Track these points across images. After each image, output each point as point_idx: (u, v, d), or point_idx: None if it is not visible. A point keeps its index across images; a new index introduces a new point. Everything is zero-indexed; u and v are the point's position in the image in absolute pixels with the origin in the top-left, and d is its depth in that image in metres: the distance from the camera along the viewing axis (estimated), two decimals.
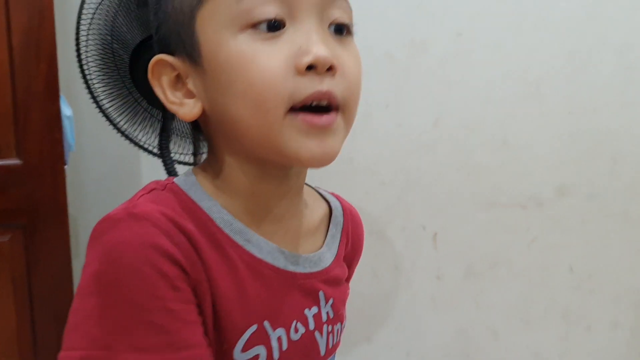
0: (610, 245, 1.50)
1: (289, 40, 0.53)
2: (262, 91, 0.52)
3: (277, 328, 0.58)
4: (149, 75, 0.58)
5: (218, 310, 0.54)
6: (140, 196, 0.56)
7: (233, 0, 0.53)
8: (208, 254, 0.54)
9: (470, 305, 1.60)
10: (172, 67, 0.58)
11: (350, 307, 1.77)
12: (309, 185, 0.71)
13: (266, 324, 0.58)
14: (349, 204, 0.76)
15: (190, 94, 0.58)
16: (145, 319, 0.49)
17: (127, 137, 1.40)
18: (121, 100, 1.40)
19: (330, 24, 0.56)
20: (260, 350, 0.57)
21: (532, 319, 1.56)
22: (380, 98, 1.65)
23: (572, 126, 1.49)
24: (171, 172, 1.28)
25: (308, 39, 0.53)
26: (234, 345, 0.55)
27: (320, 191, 0.73)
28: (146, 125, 1.43)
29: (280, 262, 0.60)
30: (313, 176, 1.81)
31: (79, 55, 1.29)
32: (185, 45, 0.56)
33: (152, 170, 1.83)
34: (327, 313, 0.64)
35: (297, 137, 0.53)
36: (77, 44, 1.32)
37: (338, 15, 0.56)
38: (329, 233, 0.68)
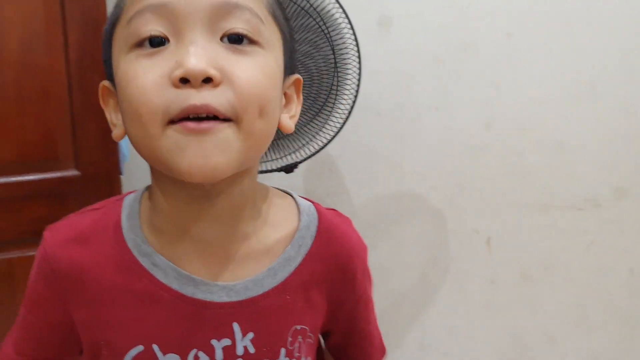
0: None
1: (169, 56, 0.53)
2: (138, 106, 0.53)
3: (167, 353, 0.59)
4: (100, 100, 0.63)
5: (104, 328, 0.60)
6: (77, 213, 0.65)
7: (124, 23, 0.55)
8: (96, 277, 0.60)
9: (526, 310, 1.57)
10: (110, 92, 0.61)
11: (403, 313, 1.76)
12: (295, 199, 0.68)
13: (155, 347, 0.59)
14: (340, 224, 0.69)
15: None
16: (21, 322, 0.65)
17: None
18: None
19: (223, 35, 0.55)
20: None
21: (590, 323, 1.52)
22: (429, 101, 1.63)
23: (630, 126, 1.45)
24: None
25: (184, 53, 0.52)
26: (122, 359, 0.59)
27: (304, 206, 0.67)
28: None
29: (187, 290, 0.60)
30: (361, 181, 1.80)
31: None
32: (110, 71, 0.59)
33: None
34: (245, 347, 0.61)
35: (176, 146, 0.52)
36: None
37: (233, 25, 0.55)
38: (282, 255, 0.63)
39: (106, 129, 1.42)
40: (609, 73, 1.45)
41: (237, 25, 0.55)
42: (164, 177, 0.58)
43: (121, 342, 0.59)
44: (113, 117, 0.61)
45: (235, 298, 0.61)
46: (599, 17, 1.46)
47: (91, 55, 1.37)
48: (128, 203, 0.64)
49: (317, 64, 1.40)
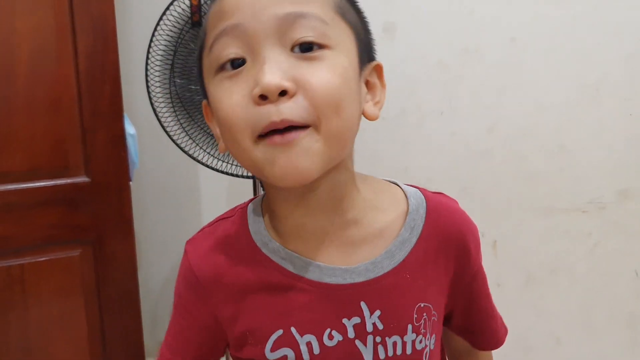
0: None
1: (248, 75, 0.57)
2: (229, 126, 0.58)
3: (305, 334, 0.65)
4: (205, 117, 0.68)
5: (248, 319, 0.66)
6: (211, 224, 0.72)
7: (207, 50, 0.60)
8: (235, 277, 0.67)
9: (531, 312, 1.58)
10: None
11: None
12: (397, 184, 0.72)
13: (293, 329, 0.65)
14: (446, 202, 0.72)
15: None
16: (172, 326, 0.72)
17: (189, 154, 1.45)
18: (183, 119, 1.47)
19: (293, 46, 0.57)
20: (288, 352, 0.65)
21: (595, 326, 1.52)
22: (434, 106, 1.65)
23: (633, 128, 1.46)
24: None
25: (259, 70, 0.56)
26: (265, 346, 0.65)
27: (409, 190, 0.70)
28: (204, 142, 1.48)
29: (314, 276, 0.65)
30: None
31: (147, 85, 1.35)
32: (204, 91, 0.65)
33: (210, 183, 1.88)
34: (374, 324, 0.65)
35: (267, 158, 0.57)
36: (146, 72, 1.38)
37: (300, 35, 0.57)
38: (397, 239, 0.67)
39: (116, 137, 1.46)
40: (612, 76, 1.46)
41: (304, 33, 0.57)
42: (269, 183, 0.63)
43: (263, 329, 0.66)
44: (217, 131, 0.65)
45: (358, 279, 0.65)
46: (602, 21, 1.47)
47: (101, 65, 1.40)
48: (252, 209, 0.70)
49: None
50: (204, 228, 0.72)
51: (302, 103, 0.56)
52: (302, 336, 0.65)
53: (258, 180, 0.75)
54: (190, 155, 1.46)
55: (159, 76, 1.46)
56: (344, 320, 0.65)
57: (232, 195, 1.86)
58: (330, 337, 0.65)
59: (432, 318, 0.69)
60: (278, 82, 0.55)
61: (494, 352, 0.85)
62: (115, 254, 1.44)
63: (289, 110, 0.56)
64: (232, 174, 1.46)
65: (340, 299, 0.65)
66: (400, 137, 1.72)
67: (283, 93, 0.55)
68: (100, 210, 1.43)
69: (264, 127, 0.56)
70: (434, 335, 0.69)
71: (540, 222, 1.54)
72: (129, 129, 1.47)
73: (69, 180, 1.42)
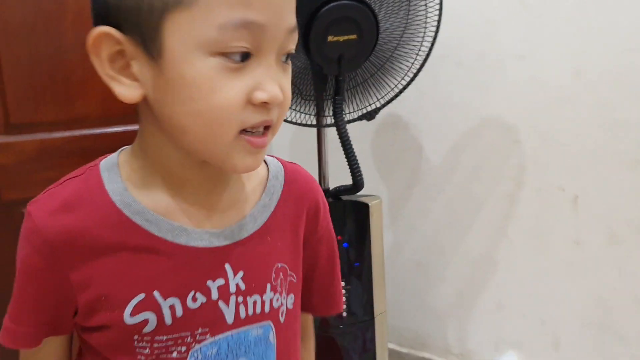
0: None
1: (251, 73, 0.58)
2: (220, 117, 0.58)
3: (169, 297, 0.65)
4: (89, 44, 0.60)
5: (103, 284, 0.64)
6: (57, 185, 0.67)
7: (214, 26, 0.56)
8: (90, 238, 0.63)
9: (613, 273, 1.48)
10: (117, 42, 0.59)
11: (481, 271, 1.72)
12: None
13: (156, 293, 0.64)
14: (300, 171, 0.79)
15: (131, 76, 0.60)
16: (17, 295, 0.68)
17: None
18: None
19: (284, 54, 0.61)
20: (149, 315, 0.64)
21: None
22: (514, 49, 1.54)
23: None
24: (343, 135, 1.37)
25: (265, 77, 0.59)
26: (123, 311, 0.64)
27: (268, 159, 0.76)
28: None
29: (181, 239, 0.66)
30: (438, 135, 1.75)
31: None
32: (144, 34, 0.58)
33: None
34: (237, 285, 0.68)
35: (239, 155, 0.61)
36: None
37: (292, 46, 0.62)
38: (259, 203, 0.72)
39: None
40: None
41: (293, 45, 0.63)
42: (180, 149, 0.64)
43: (121, 294, 0.64)
44: (107, 67, 0.60)
45: (224, 242, 0.68)
46: None
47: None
48: (106, 167, 0.67)
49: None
50: (49, 188, 0.67)
51: (278, 110, 0.62)
52: (165, 299, 0.65)
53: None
54: None
55: None
56: (209, 283, 0.67)
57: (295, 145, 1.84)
58: (194, 300, 0.66)
59: (289, 278, 0.74)
60: (280, 96, 0.60)
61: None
62: None
63: (274, 115, 0.61)
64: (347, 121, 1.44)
65: (206, 262, 0.67)
66: (478, 82, 1.63)
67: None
68: None
69: (253, 125, 0.60)
70: (291, 295, 0.74)
71: (626, 177, 1.42)
72: None
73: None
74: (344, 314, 1.49)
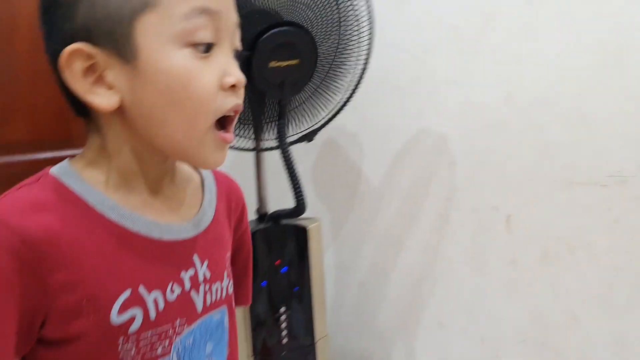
0: None
1: (216, 61, 0.65)
2: (199, 104, 0.63)
3: (152, 290, 0.67)
4: (62, 62, 0.62)
5: (88, 284, 0.62)
6: (13, 190, 0.64)
7: (180, 17, 0.62)
8: (70, 238, 0.62)
9: (548, 290, 1.52)
10: (89, 57, 0.63)
11: (422, 291, 1.73)
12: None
13: (141, 288, 0.66)
14: (223, 173, 0.87)
15: (105, 85, 0.64)
16: None
17: None
18: None
19: (233, 49, 0.68)
20: (136, 311, 0.65)
21: (614, 303, 1.45)
22: (448, 74, 1.58)
23: None
24: (287, 158, 1.39)
25: (229, 62, 0.66)
26: (110, 310, 0.63)
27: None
28: None
29: (154, 233, 0.69)
30: (379, 157, 1.77)
31: None
32: (117, 42, 0.62)
33: None
34: (204, 274, 0.74)
35: (209, 149, 0.67)
36: None
37: (238, 43, 0.69)
38: (205, 198, 0.79)
39: None
40: (637, 40, 1.36)
41: (239, 43, 0.70)
42: (147, 146, 0.67)
43: (108, 292, 0.64)
44: (81, 82, 0.63)
45: (190, 234, 0.73)
46: None
47: None
48: (61, 172, 0.66)
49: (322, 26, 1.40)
50: (4, 195, 0.63)
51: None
52: (149, 293, 0.67)
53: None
54: None
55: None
56: (182, 274, 0.71)
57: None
58: (172, 291, 0.69)
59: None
60: (244, 79, 0.67)
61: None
62: None
63: (240, 99, 0.68)
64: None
65: (178, 254, 0.71)
66: (415, 106, 1.66)
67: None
68: None
69: (228, 109, 0.66)
70: (231, 281, 0.81)
71: (557, 197, 1.47)
72: None
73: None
74: (285, 340, 1.48)
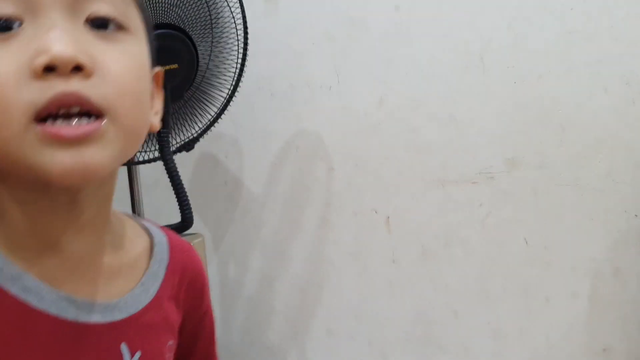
0: (563, 215, 1.46)
1: (25, 42, 0.45)
2: None
3: None
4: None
5: None
6: None
7: None
8: None
9: (428, 286, 1.56)
10: None
11: (309, 298, 1.72)
12: (133, 217, 0.65)
13: None
14: (181, 240, 0.68)
15: None
16: None
17: None
18: None
19: (86, 20, 0.48)
20: None
21: (490, 295, 1.52)
22: (323, 80, 1.60)
23: (518, 96, 1.45)
24: (172, 169, 1.31)
25: (46, 37, 0.45)
26: None
27: (146, 224, 0.65)
28: None
29: (69, 313, 0.51)
30: (259, 164, 1.74)
31: None
32: None
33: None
34: None
35: (42, 150, 0.45)
36: None
37: (96, 8, 0.48)
38: (148, 270, 0.60)
39: None
40: (496, 43, 1.45)
41: (102, 7, 0.49)
42: (19, 184, 0.50)
43: None
44: None
45: (119, 316, 0.55)
46: None
47: None
48: None
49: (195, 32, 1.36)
50: None
51: (100, 87, 0.46)
52: None
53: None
54: None
55: None
56: None
57: None
58: None
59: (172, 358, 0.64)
60: (73, 54, 0.45)
61: None
62: None
63: (87, 88, 0.45)
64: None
65: (99, 342, 0.54)
66: (292, 112, 1.66)
67: (77, 69, 0.45)
68: None
69: (47, 102, 0.44)
70: None
71: (432, 195, 1.52)
72: None
73: None
74: None
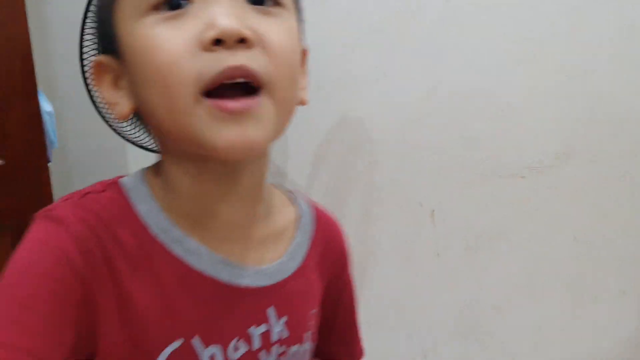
0: (614, 211, 1.46)
1: (194, 17, 0.49)
2: (167, 74, 0.48)
3: (210, 345, 0.55)
4: (94, 78, 0.56)
5: (133, 323, 0.52)
6: (78, 196, 0.55)
7: None
8: (126, 266, 0.52)
9: (471, 281, 1.57)
10: (110, 67, 0.56)
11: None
12: (283, 188, 0.69)
13: (196, 340, 0.54)
14: (327, 212, 0.71)
15: (123, 91, 0.55)
16: (32, 320, 0.47)
17: (117, 131, 1.36)
18: None
19: None
20: None
21: (536, 292, 1.53)
22: (369, 72, 1.59)
23: (571, 89, 1.44)
24: None
25: (212, 12, 0.48)
26: None
27: (293, 195, 0.69)
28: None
29: (223, 275, 0.56)
30: (307, 156, 1.74)
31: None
32: (110, 42, 0.54)
33: (139, 163, 1.78)
34: (280, 332, 0.61)
35: (210, 125, 0.49)
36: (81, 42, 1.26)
37: None
38: (294, 241, 0.64)
39: (31, 114, 1.35)
40: (551, 35, 1.43)
41: None
42: (187, 155, 0.54)
43: (155, 340, 0.53)
44: (112, 95, 0.56)
45: (268, 282, 0.59)
46: None
47: (7, 37, 1.29)
48: (131, 186, 0.57)
49: None
50: (68, 198, 0.55)
51: (261, 57, 0.50)
52: (206, 347, 0.55)
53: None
54: (119, 133, 1.36)
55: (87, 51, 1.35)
56: (251, 329, 0.58)
57: None
58: (236, 348, 0.57)
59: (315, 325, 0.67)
60: (238, 27, 0.48)
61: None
62: None
63: (249, 59, 0.49)
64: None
65: (250, 304, 0.58)
66: (337, 105, 1.66)
67: (241, 41, 0.48)
68: (17, 193, 1.34)
69: (216, 74, 0.48)
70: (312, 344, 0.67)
71: (479, 189, 1.52)
72: (45, 106, 1.37)
73: None
74: None
